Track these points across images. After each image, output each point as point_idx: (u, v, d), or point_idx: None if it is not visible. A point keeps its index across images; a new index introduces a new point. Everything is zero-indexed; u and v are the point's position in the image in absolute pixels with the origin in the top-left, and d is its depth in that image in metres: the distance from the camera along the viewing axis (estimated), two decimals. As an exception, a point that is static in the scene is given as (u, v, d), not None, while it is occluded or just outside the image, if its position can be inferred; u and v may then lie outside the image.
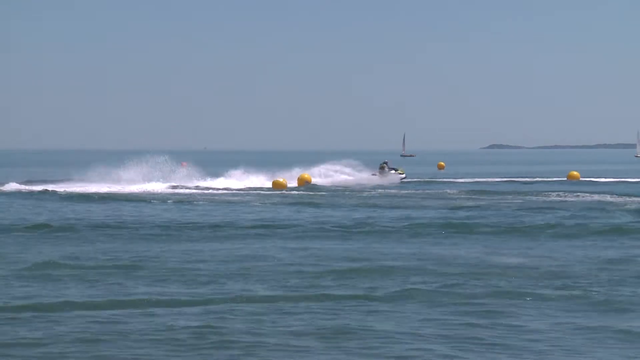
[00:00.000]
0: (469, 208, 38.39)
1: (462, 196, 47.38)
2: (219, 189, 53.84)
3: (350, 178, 66.90)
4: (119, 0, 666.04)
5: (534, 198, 45.43)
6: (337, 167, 69.62)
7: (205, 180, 59.63)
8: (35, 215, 34.57)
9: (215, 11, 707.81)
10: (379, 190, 52.80)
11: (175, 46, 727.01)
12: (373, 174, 68.17)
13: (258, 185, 57.29)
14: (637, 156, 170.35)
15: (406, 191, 52.15)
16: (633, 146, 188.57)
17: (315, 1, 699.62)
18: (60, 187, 52.32)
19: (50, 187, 51.92)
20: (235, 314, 15.53)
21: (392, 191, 52.07)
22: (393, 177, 67.37)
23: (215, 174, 61.13)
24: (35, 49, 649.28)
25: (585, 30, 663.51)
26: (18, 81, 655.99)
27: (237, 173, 62.61)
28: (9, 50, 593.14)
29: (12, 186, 52.19)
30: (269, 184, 55.85)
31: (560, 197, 46.45)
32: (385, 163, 69.79)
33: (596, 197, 45.78)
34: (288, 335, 14.07)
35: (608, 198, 44.54)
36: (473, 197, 46.77)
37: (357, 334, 14.19)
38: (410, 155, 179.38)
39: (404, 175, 68.52)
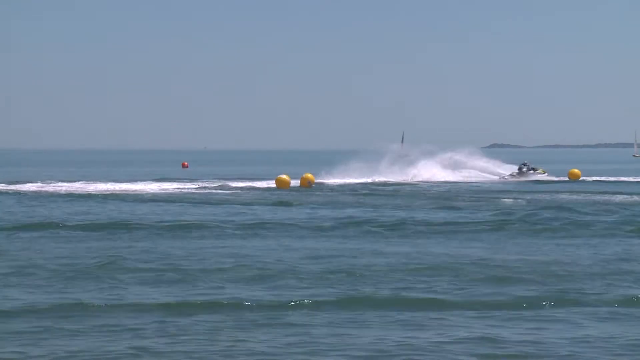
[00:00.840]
0: (471, 207, 38.31)
1: (465, 195, 47.31)
2: (216, 188, 53.68)
3: (480, 176, 67.30)
4: (119, 0, 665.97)
5: (537, 196, 45.39)
6: (483, 164, 70.24)
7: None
8: (69, 214, 34.56)
9: (215, 11, 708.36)
10: (384, 188, 52.79)
11: (175, 46, 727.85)
12: (511, 174, 67.83)
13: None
14: (634, 155, 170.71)
15: (408, 190, 52.12)
16: (633, 145, 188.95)
17: (315, 1, 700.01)
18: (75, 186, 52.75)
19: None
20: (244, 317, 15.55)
21: (399, 190, 52.07)
22: (533, 177, 66.81)
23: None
24: (35, 49, 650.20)
25: (585, 30, 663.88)
26: (18, 81, 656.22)
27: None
28: (9, 50, 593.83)
29: (30, 186, 52.35)
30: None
31: (564, 195, 46.46)
32: (524, 164, 69.26)
33: (599, 196, 45.85)
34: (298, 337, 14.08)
35: (614, 197, 44.64)
36: (475, 195, 46.70)
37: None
38: (406, 155, 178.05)
39: (545, 175, 67.95)
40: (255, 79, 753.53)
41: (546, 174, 68.16)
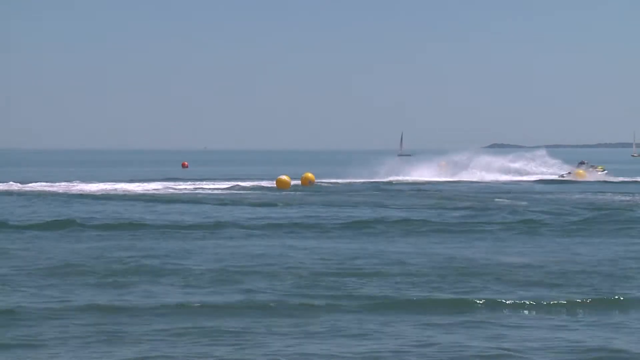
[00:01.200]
0: (473, 208, 38.23)
1: (466, 195, 47.17)
2: (219, 188, 53.53)
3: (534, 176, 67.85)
4: (119, 0, 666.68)
5: (538, 197, 45.32)
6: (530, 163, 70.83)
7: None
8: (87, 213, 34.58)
9: (215, 11, 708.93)
10: (388, 187, 52.74)
11: (175, 46, 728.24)
12: (569, 173, 68.04)
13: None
14: (633, 155, 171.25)
15: (410, 190, 52.05)
16: (632, 145, 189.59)
17: (315, 1, 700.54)
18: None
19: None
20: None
21: (404, 190, 52.04)
22: (592, 175, 66.82)
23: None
24: (35, 49, 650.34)
25: (585, 30, 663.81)
26: (18, 81, 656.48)
27: None
28: (9, 50, 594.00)
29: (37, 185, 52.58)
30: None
31: (563, 195, 46.45)
32: (583, 162, 69.44)
33: (600, 195, 45.85)
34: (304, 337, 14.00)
35: (617, 197, 44.66)
36: (477, 195, 46.59)
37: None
38: (407, 155, 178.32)
39: (605, 172, 67.96)
40: (255, 79, 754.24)
41: (606, 172, 68.24)
